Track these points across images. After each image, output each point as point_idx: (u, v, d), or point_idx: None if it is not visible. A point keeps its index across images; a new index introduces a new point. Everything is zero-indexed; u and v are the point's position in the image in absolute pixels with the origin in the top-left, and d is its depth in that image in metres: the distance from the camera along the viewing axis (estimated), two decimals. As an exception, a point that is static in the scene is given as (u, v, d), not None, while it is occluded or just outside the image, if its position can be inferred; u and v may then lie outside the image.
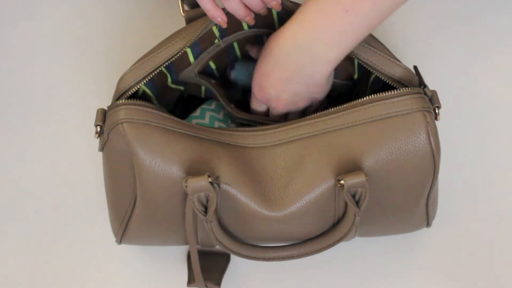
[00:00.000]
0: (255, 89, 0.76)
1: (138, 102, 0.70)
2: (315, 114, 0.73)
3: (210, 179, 0.67)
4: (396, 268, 0.81)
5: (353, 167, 0.70)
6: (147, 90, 0.76)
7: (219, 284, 0.77)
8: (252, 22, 0.74)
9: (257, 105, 0.79)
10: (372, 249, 0.82)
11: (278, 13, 0.75)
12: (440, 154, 0.71)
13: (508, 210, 0.83)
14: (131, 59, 0.89)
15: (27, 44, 0.91)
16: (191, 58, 0.77)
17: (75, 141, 0.86)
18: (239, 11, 0.72)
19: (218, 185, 0.69)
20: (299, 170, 0.71)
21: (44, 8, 0.93)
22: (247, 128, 0.73)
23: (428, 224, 0.78)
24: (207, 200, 0.69)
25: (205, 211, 0.69)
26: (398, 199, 0.73)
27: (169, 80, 0.78)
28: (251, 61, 0.81)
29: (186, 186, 0.67)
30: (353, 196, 0.69)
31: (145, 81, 0.72)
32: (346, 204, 0.71)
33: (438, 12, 0.92)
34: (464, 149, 0.86)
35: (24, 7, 0.93)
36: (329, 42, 0.68)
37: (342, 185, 0.68)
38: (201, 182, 0.67)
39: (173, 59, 0.73)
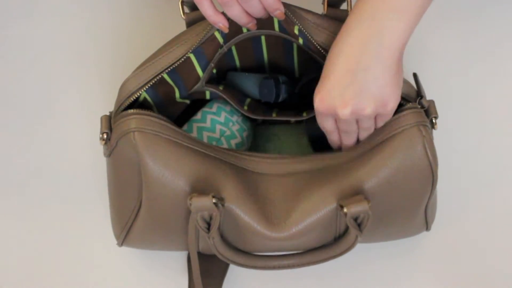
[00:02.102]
0: (316, 101, 0.69)
1: (150, 112, 0.71)
2: (323, 152, 0.74)
3: (214, 200, 0.68)
4: (395, 271, 0.82)
5: (355, 190, 0.70)
6: (148, 98, 0.75)
7: (219, 289, 0.79)
8: (254, 28, 0.72)
9: (323, 121, 0.71)
10: (372, 252, 0.83)
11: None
12: (437, 164, 0.72)
13: (506, 213, 0.84)
14: (134, 62, 0.89)
15: (30, 45, 0.90)
16: (200, 72, 0.76)
17: (78, 143, 0.86)
18: (241, 19, 0.70)
19: (222, 205, 0.69)
20: (302, 196, 0.71)
21: (48, 9, 0.91)
22: (255, 153, 0.74)
23: (427, 228, 0.79)
24: (210, 218, 0.69)
25: (208, 227, 0.70)
26: (398, 210, 0.74)
27: (177, 95, 0.78)
28: (243, 71, 0.81)
29: (190, 204, 0.68)
30: (355, 219, 0.70)
31: (146, 88, 0.72)
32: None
33: (436, 15, 0.92)
34: (462, 153, 0.87)
35: (27, 7, 0.92)
36: (397, 6, 0.64)
37: (345, 213, 0.69)
38: (205, 202, 0.68)
39: (175, 65, 0.72)
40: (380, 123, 0.71)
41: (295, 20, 0.72)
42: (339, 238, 0.74)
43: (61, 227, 0.83)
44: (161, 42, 0.83)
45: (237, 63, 0.82)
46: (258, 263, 0.73)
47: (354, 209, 0.68)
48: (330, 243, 0.74)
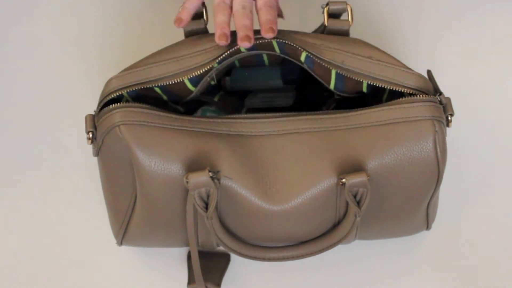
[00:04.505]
0: None
1: (133, 104, 0.70)
2: (324, 111, 0.73)
3: (210, 174, 0.67)
4: (395, 270, 0.81)
5: (356, 168, 0.70)
6: (130, 100, 0.75)
7: (219, 284, 0.77)
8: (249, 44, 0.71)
9: None
10: (371, 250, 0.81)
11: (278, 43, 0.74)
12: (445, 163, 0.71)
13: (507, 214, 0.83)
14: (128, 62, 0.90)
15: (23, 46, 0.92)
16: (191, 87, 0.75)
17: (73, 143, 0.87)
18: (223, 29, 0.70)
19: (219, 180, 0.69)
20: (301, 164, 0.70)
21: (41, 10, 0.94)
22: (250, 115, 0.72)
23: (427, 227, 0.78)
24: (208, 196, 0.69)
25: (206, 207, 0.69)
26: (399, 203, 0.73)
27: (167, 100, 0.77)
28: (248, 67, 0.82)
29: (187, 182, 0.67)
30: (355, 196, 0.70)
31: (128, 91, 0.71)
32: (347, 205, 0.71)
33: (445, 15, 0.93)
34: (464, 152, 0.86)
35: (21, 8, 0.94)
36: None
37: (344, 184, 0.69)
38: (202, 177, 0.67)
39: (167, 82, 0.71)
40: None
41: (299, 47, 0.72)
42: (338, 224, 0.73)
43: (60, 227, 0.83)
44: (159, 46, 0.85)
45: (236, 62, 0.82)
46: (257, 253, 0.72)
47: (352, 180, 0.68)
48: (330, 230, 0.73)
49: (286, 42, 0.72)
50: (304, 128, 0.72)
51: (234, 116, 0.73)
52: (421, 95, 0.71)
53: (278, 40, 0.72)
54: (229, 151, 0.70)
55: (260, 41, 0.72)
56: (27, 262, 0.81)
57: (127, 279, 0.80)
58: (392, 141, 0.70)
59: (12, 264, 0.81)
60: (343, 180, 0.68)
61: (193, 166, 0.69)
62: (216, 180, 0.68)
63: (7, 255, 0.81)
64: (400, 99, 0.72)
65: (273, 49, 0.75)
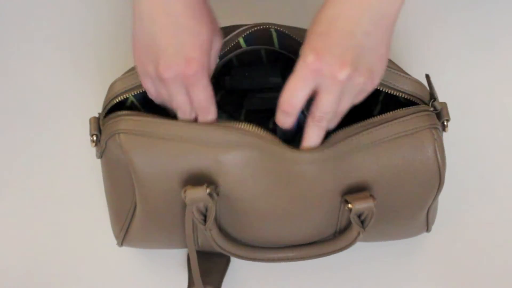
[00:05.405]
0: (311, 57, 0.62)
1: (138, 112, 0.70)
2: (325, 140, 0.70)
3: (208, 190, 0.67)
4: (394, 272, 0.81)
5: (359, 185, 0.70)
6: (136, 102, 0.74)
7: (219, 287, 0.78)
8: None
9: (305, 85, 0.63)
10: (371, 252, 0.82)
11: (277, 33, 0.74)
12: (445, 168, 0.71)
13: (506, 214, 0.84)
14: (129, 64, 0.89)
15: (24, 49, 0.91)
16: None
17: (75, 145, 0.87)
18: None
19: (217, 194, 0.69)
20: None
21: (42, 12, 0.93)
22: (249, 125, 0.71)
23: (427, 230, 0.78)
24: (206, 209, 0.69)
25: (204, 219, 0.69)
26: (401, 210, 0.73)
27: None
28: (247, 66, 0.81)
29: (185, 197, 0.67)
30: (359, 216, 0.70)
31: (134, 94, 0.71)
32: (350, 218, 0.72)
33: (442, 18, 0.92)
34: (462, 154, 0.86)
35: (21, 9, 0.93)
36: None
37: (350, 209, 0.68)
38: (200, 193, 0.67)
39: None
40: (345, 106, 0.67)
41: (299, 40, 0.71)
42: (340, 233, 0.73)
43: (61, 226, 0.83)
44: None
45: (235, 61, 0.82)
46: (257, 255, 0.73)
47: (359, 205, 0.68)
48: (331, 237, 0.73)
49: (286, 32, 0.71)
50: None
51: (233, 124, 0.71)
52: (413, 107, 0.70)
53: (277, 29, 0.72)
54: (229, 166, 0.70)
55: (258, 27, 0.72)
56: (27, 261, 0.82)
57: (127, 281, 0.81)
58: (394, 155, 0.69)
59: (12, 264, 0.82)
60: (349, 205, 0.68)
61: (191, 179, 0.69)
62: (214, 195, 0.68)
63: (8, 255, 0.82)
64: (395, 111, 0.70)
65: (272, 43, 0.75)
